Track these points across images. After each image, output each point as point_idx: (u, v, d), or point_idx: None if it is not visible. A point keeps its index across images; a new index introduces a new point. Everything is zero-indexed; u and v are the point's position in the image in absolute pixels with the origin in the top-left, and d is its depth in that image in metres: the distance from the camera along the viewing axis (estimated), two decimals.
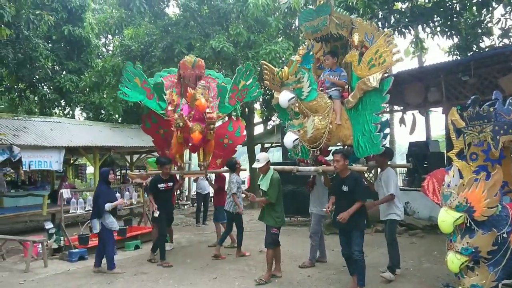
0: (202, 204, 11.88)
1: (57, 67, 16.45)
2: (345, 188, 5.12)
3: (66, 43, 16.12)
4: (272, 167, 5.94)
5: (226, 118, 8.97)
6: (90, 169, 23.60)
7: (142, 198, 11.06)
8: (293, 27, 16.17)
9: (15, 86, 15.94)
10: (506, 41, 9.66)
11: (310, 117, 5.46)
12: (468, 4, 8.97)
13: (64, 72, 16.05)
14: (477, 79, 7.71)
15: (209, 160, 7.94)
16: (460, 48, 10.16)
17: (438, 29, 9.84)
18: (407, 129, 9.87)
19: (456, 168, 4.41)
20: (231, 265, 6.80)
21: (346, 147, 5.71)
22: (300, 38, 16.51)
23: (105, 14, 16.99)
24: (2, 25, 9.78)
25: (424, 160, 9.68)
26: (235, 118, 9.13)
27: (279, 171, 6.02)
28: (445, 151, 10.49)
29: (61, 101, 17.95)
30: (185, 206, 16.83)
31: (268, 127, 20.13)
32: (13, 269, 7.02)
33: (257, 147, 17.88)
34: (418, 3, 9.27)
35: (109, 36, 20.50)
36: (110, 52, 19.91)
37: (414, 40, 10.56)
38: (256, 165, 5.90)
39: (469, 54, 9.98)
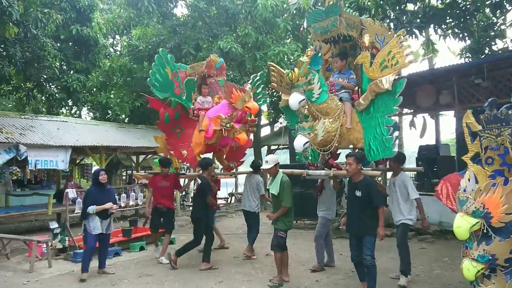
0: None
1: (64, 67, 16.47)
2: (358, 193, 4.99)
3: (74, 43, 16.12)
4: (281, 170, 5.83)
5: None
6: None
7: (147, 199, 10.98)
8: (302, 29, 16.08)
9: (23, 85, 15.94)
10: None
11: (321, 119, 5.33)
12: (480, 5, 8.81)
13: (71, 72, 16.04)
14: (490, 82, 7.56)
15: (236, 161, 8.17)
16: (472, 50, 9.99)
17: (450, 31, 9.68)
18: (417, 132, 9.74)
19: (472, 173, 4.27)
20: (237, 268, 6.69)
21: (357, 150, 5.57)
22: (308, 39, 16.44)
23: (113, 14, 16.98)
24: (10, 23, 9.76)
25: (434, 164, 9.51)
26: None
27: (289, 174, 5.91)
28: (455, 155, 10.36)
29: (68, 101, 17.97)
30: (190, 208, 16.75)
31: (275, 129, 20.05)
32: (17, 269, 6.96)
33: (264, 149, 17.79)
34: (430, 4, 9.11)
35: (117, 36, 20.53)
36: (118, 52, 19.94)
37: (425, 41, 10.40)
38: (264, 166, 5.80)
39: (481, 57, 9.82)
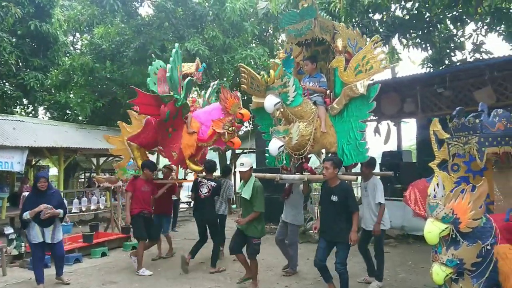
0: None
1: (19, 64, 15.69)
2: (334, 198, 4.99)
3: (31, 39, 15.41)
4: (253, 174, 5.76)
5: None
6: (52, 171, 22.74)
7: (109, 202, 10.63)
8: (268, 33, 16.19)
9: None
10: (477, 55, 9.94)
11: (296, 123, 5.32)
12: (443, 18, 9.19)
13: (29, 69, 15.31)
14: (452, 92, 7.85)
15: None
16: (433, 60, 10.39)
17: (414, 41, 10.03)
18: (380, 139, 9.98)
19: (440, 179, 4.39)
20: (204, 274, 6.55)
21: (330, 154, 5.61)
22: (274, 44, 16.57)
23: (74, 10, 16.40)
24: None
25: (397, 169, 9.76)
26: None
27: (260, 178, 5.83)
28: (416, 161, 10.70)
29: (23, 99, 17.16)
30: None
31: (240, 133, 19.97)
32: None
33: (228, 153, 17.65)
34: (396, 14, 9.40)
35: (77, 34, 19.86)
36: (78, 50, 19.27)
37: (390, 51, 10.72)
38: (240, 168, 5.68)
39: (442, 67, 10.22)
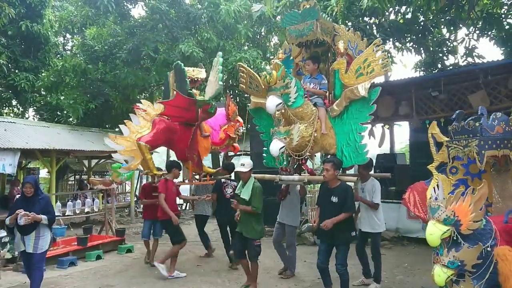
0: None
1: (10, 65, 15.48)
2: (334, 199, 5.02)
3: (22, 40, 15.24)
4: (253, 175, 5.76)
5: None
6: (42, 173, 22.46)
7: (102, 205, 10.54)
8: (260, 36, 16.22)
9: None
10: (470, 59, 10.08)
11: (296, 124, 5.34)
12: (437, 22, 9.31)
13: (19, 70, 15.12)
14: (446, 95, 7.94)
15: None
16: (426, 64, 10.52)
17: (408, 45, 10.14)
18: (375, 141, 10.05)
19: (440, 182, 4.44)
20: (202, 277, 6.54)
21: (329, 156, 5.63)
22: (267, 46, 16.61)
23: (66, 11, 16.25)
24: None
25: (391, 172, 9.80)
26: None
27: (259, 179, 5.83)
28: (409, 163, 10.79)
29: (12, 101, 16.94)
30: None
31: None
32: None
33: (221, 155, 17.59)
34: (390, 19, 9.51)
35: (68, 35, 19.68)
36: (68, 51, 19.10)
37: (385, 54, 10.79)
38: (241, 169, 5.68)
39: (434, 71, 10.34)
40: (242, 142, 12.92)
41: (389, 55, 10.68)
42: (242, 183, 5.77)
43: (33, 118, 18.97)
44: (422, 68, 11.01)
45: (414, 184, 5.18)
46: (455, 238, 3.94)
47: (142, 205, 16.98)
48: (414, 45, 10.05)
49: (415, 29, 9.39)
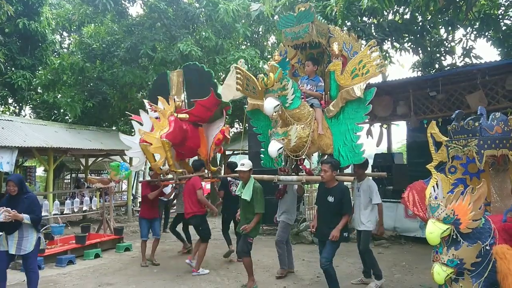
0: (164, 211, 11.46)
1: (6, 62, 15.39)
2: (330, 199, 5.07)
3: (19, 37, 15.15)
4: (252, 175, 5.79)
5: None
6: (39, 172, 22.37)
7: (100, 204, 10.52)
8: (258, 35, 16.23)
9: None
10: (467, 60, 10.14)
11: (294, 125, 5.37)
12: (435, 23, 9.36)
13: (16, 68, 15.03)
14: (444, 95, 7.99)
15: None
16: (424, 64, 10.57)
17: (406, 45, 10.19)
18: (373, 141, 10.10)
19: (440, 181, 4.48)
20: (201, 276, 6.54)
21: (326, 156, 5.66)
22: (265, 45, 16.62)
23: (64, 9, 16.20)
24: None
25: (389, 171, 9.88)
26: None
27: (258, 179, 5.86)
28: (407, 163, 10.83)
29: (9, 99, 16.87)
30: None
31: (231, 134, 19.94)
32: None
33: (217, 155, 17.61)
34: (389, 19, 9.55)
35: (65, 33, 19.62)
36: (66, 50, 19.02)
37: (383, 54, 10.86)
38: (241, 168, 5.72)
39: (432, 71, 10.40)
40: (240, 141, 12.96)
41: (387, 55, 10.75)
42: (242, 184, 5.82)
43: (30, 116, 18.91)
44: (420, 68, 11.07)
45: (413, 183, 5.21)
46: (454, 236, 3.98)
47: (139, 204, 17.11)
48: (412, 45, 10.12)
49: (413, 29, 9.44)
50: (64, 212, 8.82)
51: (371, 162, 10.83)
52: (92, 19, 14.51)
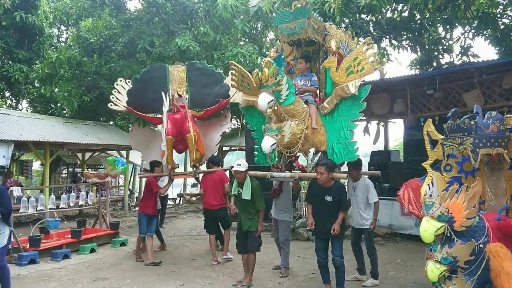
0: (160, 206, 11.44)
1: (3, 56, 15.34)
2: (328, 198, 5.08)
3: (16, 31, 15.08)
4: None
5: None
6: (35, 166, 22.29)
7: (96, 199, 10.52)
8: (257, 31, 16.20)
9: None
10: (465, 58, 10.15)
11: (288, 121, 5.36)
12: (434, 21, 9.37)
13: (13, 61, 14.98)
14: (441, 93, 8.00)
15: None
16: (422, 62, 10.58)
17: (404, 43, 10.20)
18: (370, 138, 10.12)
19: (435, 179, 4.48)
20: (196, 271, 6.55)
21: (320, 153, 5.66)
22: (263, 41, 16.60)
23: (61, 2, 16.12)
24: None
25: (385, 169, 9.90)
26: None
27: (251, 176, 5.85)
28: (403, 160, 10.86)
29: (6, 92, 16.80)
30: (136, 208, 16.24)
31: (227, 130, 19.90)
32: None
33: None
34: (387, 16, 9.55)
35: (62, 27, 19.53)
36: (63, 43, 18.95)
37: (381, 51, 10.87)
38: (237, 168, 5.69)
39: (429, 69, 10.41)
40: (237, 137, 12.95)
41: (385, 52, 10.75)
42: (238, 183, 5.78)
43: (27, 110, 18.85)
44: (418, 66, 11.09)
45: (408, 181, 5.22)
46: (448, 234, 4.00)
47: (136, 199, 17.11)
48: (410, 43, 10.13)
49: (411, 27, 9.44)
50: (60, 207, 8.79)
51: (368, 159, 10.89)
52: (90, 13, 14.46)
